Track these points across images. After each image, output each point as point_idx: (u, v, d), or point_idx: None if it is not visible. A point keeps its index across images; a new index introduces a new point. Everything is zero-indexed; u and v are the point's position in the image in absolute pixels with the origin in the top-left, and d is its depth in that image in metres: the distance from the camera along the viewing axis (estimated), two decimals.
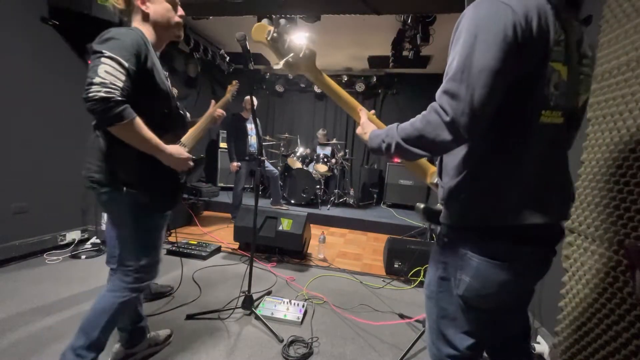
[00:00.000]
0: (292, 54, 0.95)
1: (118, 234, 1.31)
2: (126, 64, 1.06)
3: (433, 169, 1.11)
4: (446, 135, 0.72)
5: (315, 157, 5.33)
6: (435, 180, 1.02)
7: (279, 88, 6.53)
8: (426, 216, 1.03)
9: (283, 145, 5.67)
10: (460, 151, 0.85)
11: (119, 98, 1.04)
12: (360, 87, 6.01)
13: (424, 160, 1.12)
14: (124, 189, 1.19)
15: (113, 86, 1.03)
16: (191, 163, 1.31)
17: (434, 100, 0.78)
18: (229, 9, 2.93)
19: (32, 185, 2.59)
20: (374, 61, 5.32)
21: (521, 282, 0.89)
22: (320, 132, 5.66)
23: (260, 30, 0.95)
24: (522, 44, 0.69)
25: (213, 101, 1.77)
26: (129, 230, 1.27)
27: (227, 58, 5.01)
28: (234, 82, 2.02)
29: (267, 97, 6.74)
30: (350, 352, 1.75)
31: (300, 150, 5.35)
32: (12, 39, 2.39)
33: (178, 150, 1.25)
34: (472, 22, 0.73)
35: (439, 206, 0.99)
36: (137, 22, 1.25)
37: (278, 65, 0.96)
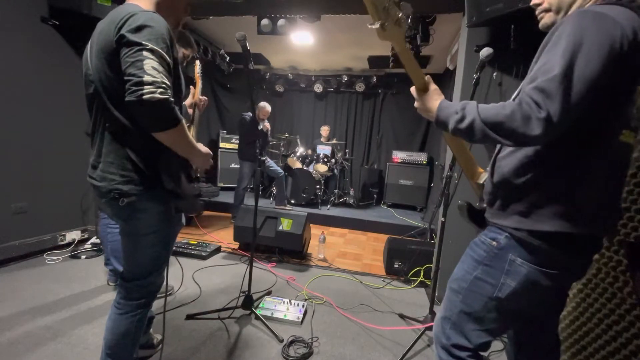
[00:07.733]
0: (388, 19, 0.93)
1: (133, 246, 1.15)
2: (167, 58, 0.94)
3: (482, 170, 1.10)
4: (534, 130, 0.71)
5: (315, 157, 5.33)
6: (483, 181, 1.02)
7: (279, 88, 6.51)
8: (470, 215, 1.02)
9: (283, 145, 5.67)
10: (524, 156, 0.85)
11: (172, 99, 0.92)
12: (360, 87, 6.00)
13: (474, 160, 1.11)
14: (162, 195, 1.07)
15: (165, 85, 0.90)
16: (211, 161, 1.23)
17: None
18: (229, 9, 2.93)
19: (32, 185, 2.59)
20: (374, 61, 5.31)
21: (561, 288, 0.91)
22: (324, 128, 5.65)
23: None
24: (627, 55, 0.71)
25: (192, 88, 1.68)
26: (150, 240, 1.14)
27: (227, 58, 4.99)
28: (196, 62, 1.83)
29: (267, 97, 6.72)
30: (350, 352, 1.75)
31: (300, 150, 5.34)
32: (12, 39, 2.39)
33: (204, 147, 1.17)
34: (576, 31, 0.73)
35: (481, 206, 0.99)
36: None
37: (372, 25, 0.93)
